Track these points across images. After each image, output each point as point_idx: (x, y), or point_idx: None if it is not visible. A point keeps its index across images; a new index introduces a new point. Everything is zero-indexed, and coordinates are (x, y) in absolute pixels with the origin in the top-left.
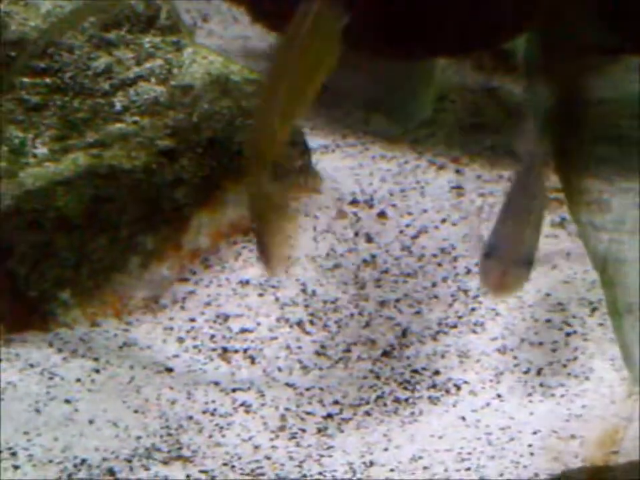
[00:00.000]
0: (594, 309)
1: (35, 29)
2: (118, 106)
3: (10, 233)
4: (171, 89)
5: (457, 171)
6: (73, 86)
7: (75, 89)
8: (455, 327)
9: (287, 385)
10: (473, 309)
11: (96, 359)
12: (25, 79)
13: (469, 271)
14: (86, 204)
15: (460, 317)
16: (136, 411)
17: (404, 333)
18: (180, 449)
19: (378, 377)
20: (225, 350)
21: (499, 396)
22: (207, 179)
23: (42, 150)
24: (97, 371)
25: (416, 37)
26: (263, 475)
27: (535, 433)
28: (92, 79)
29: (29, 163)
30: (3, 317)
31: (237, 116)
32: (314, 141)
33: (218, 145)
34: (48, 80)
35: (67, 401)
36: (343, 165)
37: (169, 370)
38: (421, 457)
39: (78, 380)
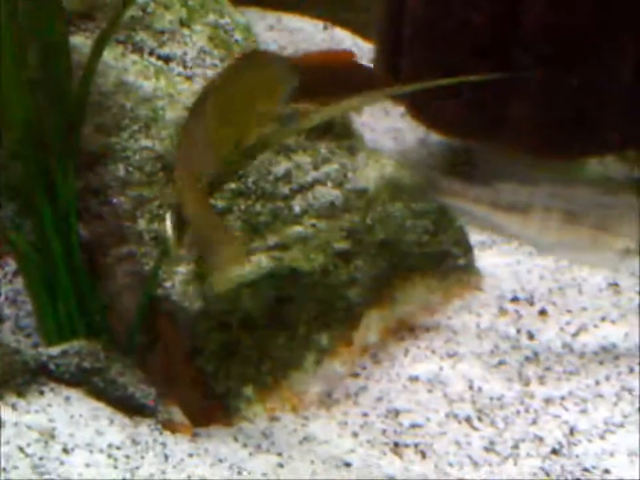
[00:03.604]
0: None
1: None
2: (297, 209)
3: (200, 334)
4: (346, 192)
5: None
6: (255, 190)
7: (257, 193)
8: (621, 426)
9: None
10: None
11: (279, 454)
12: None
13: (631, 370)
14: (269, 305)
15: (626, 417)
16: None
17: (571, 431)
18: None
19: (548, 474)
20: (396, 444)
21: None
22: (378, 278)
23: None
24: (281, 466)
25: (579, 137)
26: None
27: None
28: (273, 184)
29: None
30: (192, 412)
31: (407, 217)
32: (470, 237)
33: (389, 245)
34: (233, 185)
35: None
36: (501, 261)
37: (347, 465)
38: None
39: (264, 474)
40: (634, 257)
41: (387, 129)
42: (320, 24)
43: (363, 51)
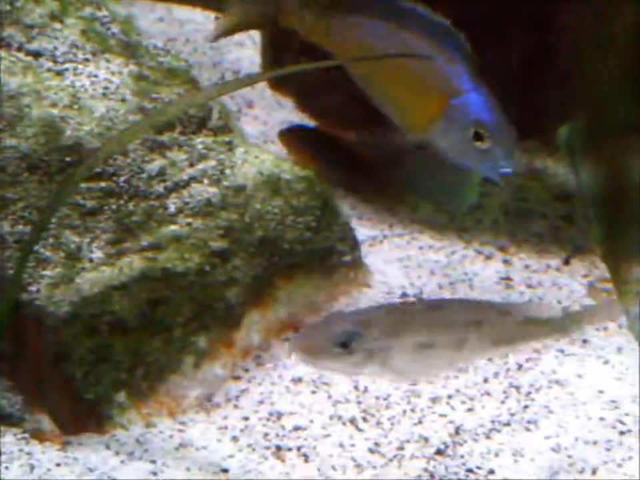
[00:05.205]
0: None
1: (89, 133)
2: (172, 208)
3: (68, 339)
4: (223, 190)
5: (505, 261)
6: (127, 189)
7: (130, 192)
8: (508, 424)
9: None
10: (526, 407)
11: (153, 462)
12: (81, 184)
13: (520, 367)
14: (141, 307)
15: (513, 415)
16: None
17: (457, 431)
18: None
19: (432, 476)
20: (278, 448)
21: None
22: (259, 277)
23: (98, 254)
24: (155, 474)
25: None
26: None
27: None
28: (146, 182)
29: (85, 267)
30: (61, 421)
31: (287, 214)
32: (361, 232)
33: (269, 243)
34: (103, 184)
35: None
36: (392, 256)
37: (225, 471)
38: None
39: None
40: None
41: (279, 121)
42: (211, 15)
43: (257, 43)
